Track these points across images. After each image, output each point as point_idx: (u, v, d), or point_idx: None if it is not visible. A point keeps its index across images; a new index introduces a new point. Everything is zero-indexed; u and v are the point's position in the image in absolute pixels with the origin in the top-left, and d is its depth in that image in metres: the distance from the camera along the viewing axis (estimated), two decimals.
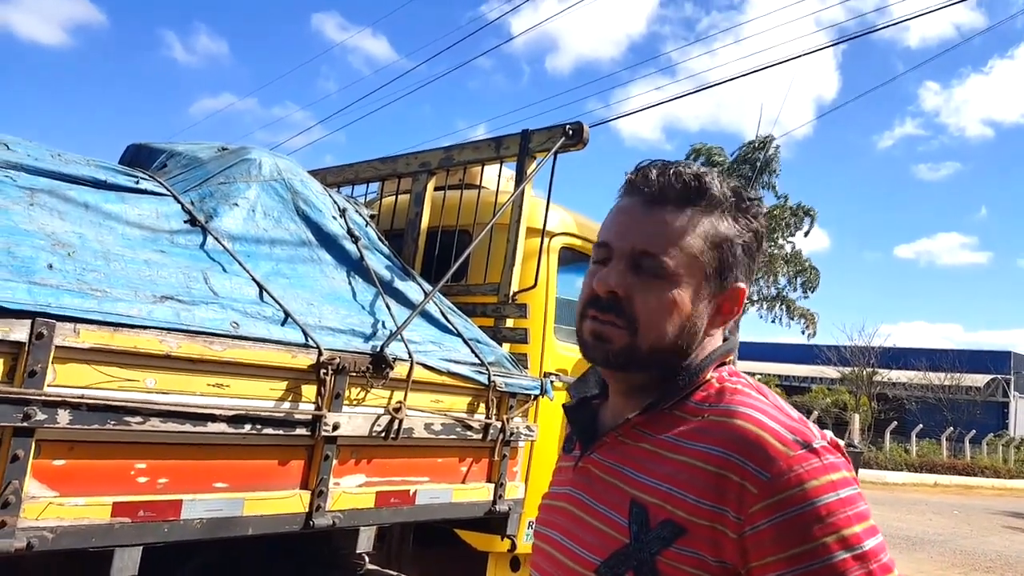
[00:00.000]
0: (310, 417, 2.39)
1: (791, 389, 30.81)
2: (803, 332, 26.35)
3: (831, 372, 30.01)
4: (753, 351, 34.97)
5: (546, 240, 3.51)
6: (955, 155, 71.23)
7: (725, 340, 1.03)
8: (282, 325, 2.48)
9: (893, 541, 10.13)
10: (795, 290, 25.99)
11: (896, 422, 25.77)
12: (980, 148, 71.28)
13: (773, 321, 26.33)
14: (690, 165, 0.97)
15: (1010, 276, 68.92)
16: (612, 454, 0.97)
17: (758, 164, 24.36)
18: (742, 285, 0.98)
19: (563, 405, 1.12)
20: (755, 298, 26.15)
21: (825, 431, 0.90)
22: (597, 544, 0.92)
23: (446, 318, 3.06)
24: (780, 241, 25.44)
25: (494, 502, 3.00)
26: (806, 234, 25.56)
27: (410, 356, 2.67)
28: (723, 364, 0.99)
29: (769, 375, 31.17)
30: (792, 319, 26.19)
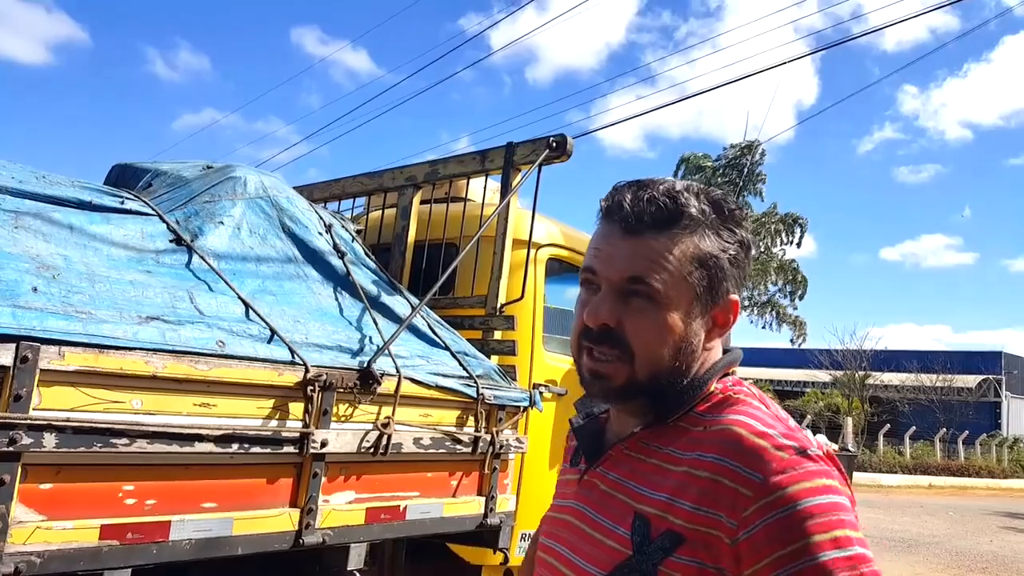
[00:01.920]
0: (298, 435, 2.39)
1: (784, 394, 30.87)
2: (792, 341, 26.50)
3: (823, 376, 30.09)
4: (745, 356, 34.93)
5: (533, 251, 3.53)
6: (935, 157, 71.81)
7: (728, 351, 1.03)
8: (268, 343, 2.48)
9: (888, 543, 10.15)
10: (785, 297, 26.13)
11: (889, 424, 25.84)
12: (960, 150, 71.88)
13: (764, 327, 26.45)
14: (663, 184, 0.96)
15: (996, 276, 69.49)
16: (617, 468, 0.98)
17: (744, 171, 24.51)
18: (734, 296, 0.98)
19: (570, 420, 1.13)
20: (746, 304, 26.24)
21: (822, 443, 0.90)
22: (601, 558, 0.93)
23: (434, 332, 3.07)
24: (774, 250, 25.56)
25: (485, 515, 3.00)
26: (798, 244, 25.69)
27: (397, 371, 2.67)
28: (727, 375, 1.00)
29: (762, 380, 31.24)
30: (783, 324, 26.32)
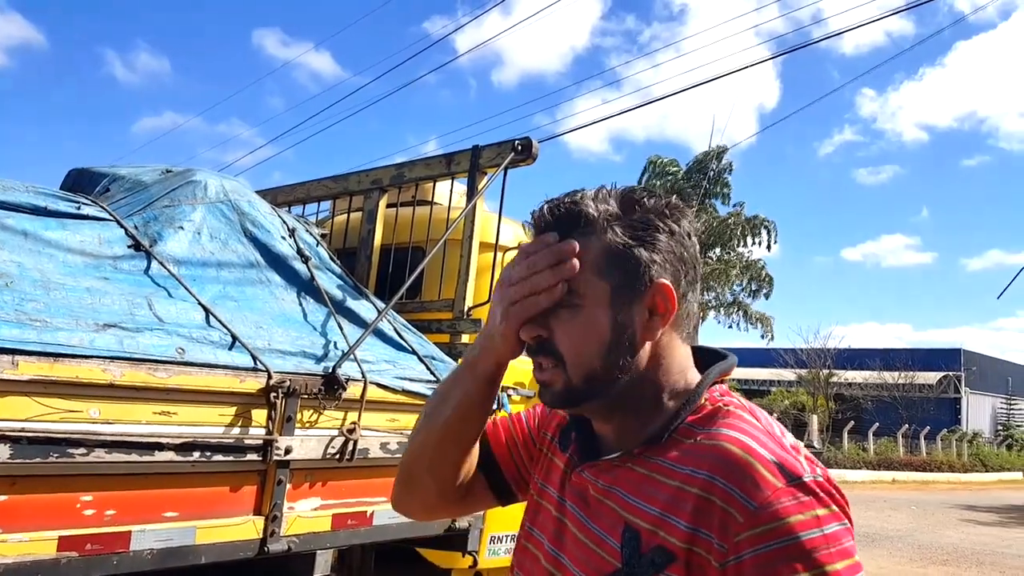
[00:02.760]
0: (261, 442, 2.36)
1: (751, 392, 31.23)
2: (762, 336, 26.78)
3: (788, 375, 30.53)
4: None
5: (499, 254, 3.53)
6: (893, 159, 73.44)
7: (724, 357, 1.02)
8: (230, 349, 2.45)
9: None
10: (750, 296, 26.42)
11: (853, 421, 26.30)
12: (917, 151, 73.64)
13: (731, 327, 26.72)
14: (574, 193, 0.97)
15: (954, 275, 71.14)
16: (606, 475, 0.97)
17: (709, 175, 24.76)
18: (663, 280, 0.94)
19: (563, 421, 1.12)
20: (712, 304, 26.51)
21: (817, 465, 0.88)
22: (590, 566, 0.92)
23: (400, 336, 3.05)
24: (740, 250, 25.81)
25: (454, 519, 2.99)
26: (768, 247, 25.94)
27: (363, 376, 2.65)
28: (716, 383, 0.98)
29: (729, 379, 31.54)
30: (750, 324, 26.61)
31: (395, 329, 3.07)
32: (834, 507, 0.83)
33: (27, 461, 1.88)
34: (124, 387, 2.10)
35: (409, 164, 3.64)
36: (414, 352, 3.00)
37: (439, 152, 3.66)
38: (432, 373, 2.95)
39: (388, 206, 3.78)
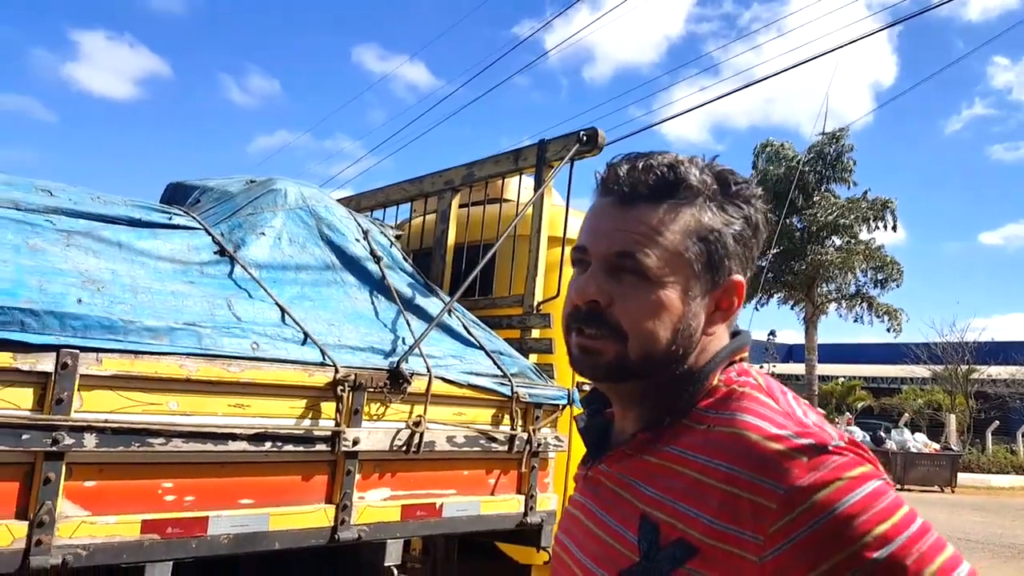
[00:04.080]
0: (329, 433, 2.47)
1: (879, 391, 29.53)
2: (888, 330, 25.22)
3: (922, 371, 28.55)
4: (835, 353, 33.72)
5: (568, 248, 3.53)
6: None
7: (736, 335, 0.96)
8: (302, 345, 2.58)
9: (994, 549, 9.57)
10: (876, 286, 24.93)
11: (998, 421, 24.29)
12: None
13: (855, 320, 25.32)
14: (663, 155, 0.90)
15: None
16: (620, 466, 0.93)
17: (829, 159, 23.60)
18: (738, 277, 0.91)
19: (574, 418, 1.11)
20: (833, 297, 25.25)
21: (844, 432, 0.83)
22: (607, 559, 0.89)
23: (468, 331, 3.11)
24: (862, 237, 24.42)
25: (525, 514, 3.01)
26: (893, 228, 24.35)
27: (428, 370, 2.72)
28: (731, 364, 0.93)
29: (854, 377, 29.98)
30: (876, 317, 25.12)
31: (463, 324, 3.13)
32: (868, 466, 0.78)
33: (111, 450, 2.05)
34: (200, 381, 2.26)
35: (479, 163, 3.71)
36: (481, 347, 3.04)
37: (508, 150, 3.69)
38: (499, 368, 2.99)
39: (461, 206, 3.86)
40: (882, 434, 18.48)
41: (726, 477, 0.80)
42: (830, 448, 0.77)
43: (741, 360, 0.95)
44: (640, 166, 0.89)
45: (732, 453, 0.81)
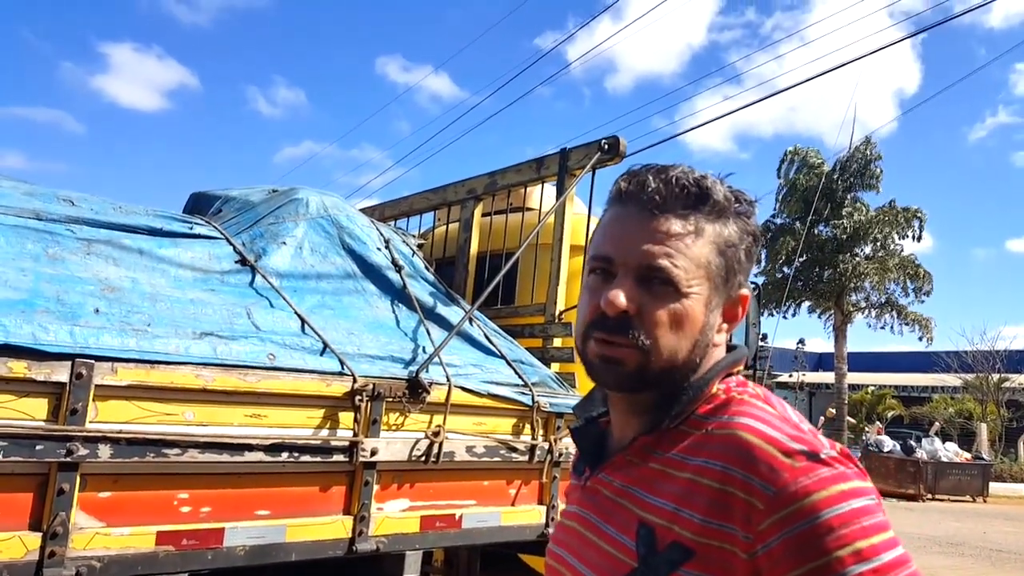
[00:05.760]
0: (347, 443, 2.44)
1: (909, 400, 28.97)
2: (920, 339, 24.83)
3: (952, 380, 28.01)
4: (864, 361, 33.20)
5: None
6: None
7: (732, 349, 0.98)
8: (320, 355, 2.55)
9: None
10: (907, 295, 24.56)
11: None
12: None
13: (882, 328, 24.94)
14: (686, 168, 0.93)
15: None
16: (619, 474, 0.94)
17: (853, 166, 23.32)
18: (744, 291, 0.95)
19: (569, 427, 1.10)
20: (863, 306, 24.90)
21: (835, 442, 0.85)
22: (605, 567, 0.90)
23: (489, 340, 3.07)
24: (892, 247, 24.14)
25: (547, 524, 2.96)
26: (918, 239, 24.12)
27: (448, 380, 2.68)
28: (730, 375, 0.95)
29: (884, 386, 29.48)
30: (905, 326, 24.75)
31: (484, 333, 3.09)
32: (857, 482, 0.79)
33: (126, 460, 2.03)
34: (216, 391, 2.23)
35: (501, 171, 3.67)
36: (502, 356, 3.00)
37: (530, 159, 3.66)
38: (520, 377, 2.94)
39: (484, 215, 3.83)
40: (912, 443, 18.15)
41: (720, 476, 0.81)
42: (822, 456, 0.79)
43: (738, 372, 0.97)
44: (671, 177, 0.90)
45: (727, 453, 0.82)
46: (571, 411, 2.96)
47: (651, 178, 0.91)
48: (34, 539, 1.90)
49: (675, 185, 0.89)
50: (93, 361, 2.01)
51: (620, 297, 0.87)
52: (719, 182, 0.93)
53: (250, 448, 2.25)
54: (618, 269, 0.90)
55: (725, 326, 0.94)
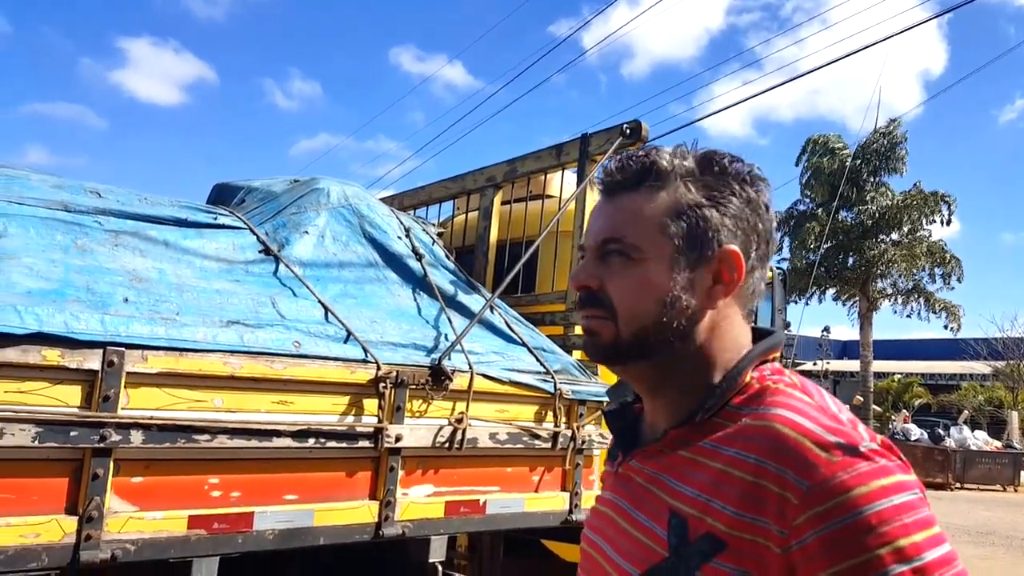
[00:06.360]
0: (372, 430, 2.47)
1: (936, 388, 28.61)
2: (946, 327, 24.44)
3: (982, 367, 27.62)
4: (890, 349, 32.83)
5: None
6: None
7: (769, 334, 0.97)
8: (344, 342, 2.58)
9: None
10: (934, 282, 24.16)
11: None
12: None
13: (909, 315, 24.57)
14: (650, 148, 0.95)
15: None
16: (651, 461, 0.94)
17: (880, 149, 22.96)
18: (731, 247, 0.91)
19: (603, 411, 1.11)
20: (889, 293, 24.57)
21: (876, 434, 0.82)
22: (636, 556, 0.89)
23: (510, 328, 3.08)
24: (920, 233, 23.73)
25: (570, 511, 2.97)
26: (947, 223, 23.66)
27: (470, 367, 2.70)
28: (765, 362, 0.94)
29: (911, 374, 29.13)
30: (933, 313, 24.37)
31: (505, 321, 3.10)
32: (899, 475, 0.76)
33: (158, 446, 2.08)
34: (244, 378, 2.27)
35: (520, 158, 3.67)
36: (524, 344, 3.01)
37: (550, 145, 3.65)
38: (542, 364, 2.95)
39: (504, 202, 3.83)
40: (940, 431, 17.94)
41: (754, 469, 0.80)
42: (861, 449, 0.77)
43: (773, 359, 0.95)
44: (622, 161, 0.94)
45: (761, 445, 0.81)
46: (593, 399, 2.98)
47: (611, 164, 0.96)
48: (70, 522, 1.95)
49: (626, 164, 0.93)
50: (124, 349, 2.05)
51: (581, 274, 0.94)
52: (677, 152, 0.94)
53: (278, 434, 2.29)
54: (587, 252, 0.95)
55: (720, 288, 0.92)
